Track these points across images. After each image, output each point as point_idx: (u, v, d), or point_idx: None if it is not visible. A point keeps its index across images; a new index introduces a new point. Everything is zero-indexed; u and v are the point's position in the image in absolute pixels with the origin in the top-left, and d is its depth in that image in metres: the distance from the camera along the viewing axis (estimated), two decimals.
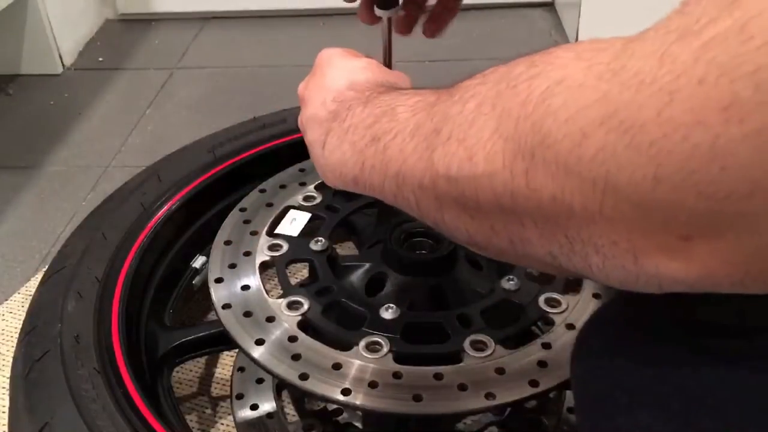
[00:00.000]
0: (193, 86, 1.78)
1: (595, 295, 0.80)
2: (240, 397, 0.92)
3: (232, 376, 0.95)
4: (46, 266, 0.94)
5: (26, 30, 1.78)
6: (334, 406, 0.89)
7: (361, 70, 0.60)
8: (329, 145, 0.56)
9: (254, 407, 0.90)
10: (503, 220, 0.40)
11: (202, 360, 1.02)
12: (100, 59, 1.91)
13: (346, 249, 1.13)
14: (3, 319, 1.11)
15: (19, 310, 1.12)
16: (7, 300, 1.14)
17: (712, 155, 0.29)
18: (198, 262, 0.99)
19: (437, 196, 0.44)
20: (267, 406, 0.91)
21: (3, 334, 1.09)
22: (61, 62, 1.85)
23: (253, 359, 0.74)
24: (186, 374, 1.01)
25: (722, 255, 0.31)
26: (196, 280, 0.98)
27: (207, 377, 1.01)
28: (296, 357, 0.73)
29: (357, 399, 0.70)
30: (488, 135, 0.39)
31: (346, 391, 0.70)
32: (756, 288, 0.33)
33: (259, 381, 0.93)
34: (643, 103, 0.31)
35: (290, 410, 0.93)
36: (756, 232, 0.30)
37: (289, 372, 0.72)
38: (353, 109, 0.55)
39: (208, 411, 0.97)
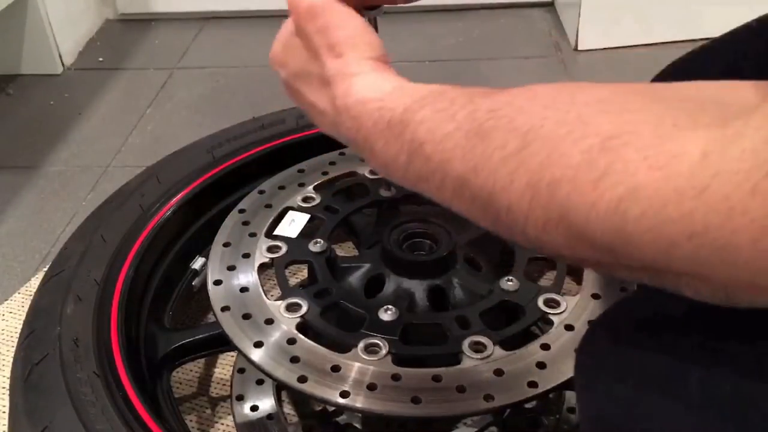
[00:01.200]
0: (193, 86, 1.77)
1: (594, 296, 0.80)
2: (240, 398, 0.92)
3: (232, 377, 0.95)
4: (46, 266, 0.94)
5: (26, 30, 1.78)
6: (334, 407, 0.89)
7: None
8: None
9: (254, 408, 0.90)
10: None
11: (202, 360, 1.02)
12: (100, 59, 1.91)
13: (346, 249, 1.13)
14: (3, 319, 1.11)
15: (19, 310, 1.12)
16: (7, 300, 1.14)
17: None
18: (197, 263, 0.98)
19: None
20: (267, 407, 0.91)
21: (3, 333, 1.09)
22: (61, 62, 1.85)
23: (251, 362, 0.74)
24: (186, 374, 1.01)
25: None
26: (196, 282, 0.98)
27: (207, 377, 1.01)
28: (295, 359, 0.73)
29: (356, 401, 0.70)
30: (554, 221, 0.40)
31: (344, 394, 0.70)
32: None
33: (260, 382, 0.93)
34: (737, 229, 0.32)
35: (290, 411, 0.94)
36: None
37: (287, 375, 0.72)
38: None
39: (208, 411, 0.97)
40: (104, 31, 2.05)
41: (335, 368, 0.72)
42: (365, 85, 0.54)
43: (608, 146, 0.37)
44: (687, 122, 0.35)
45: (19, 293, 1.15)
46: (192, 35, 2.01)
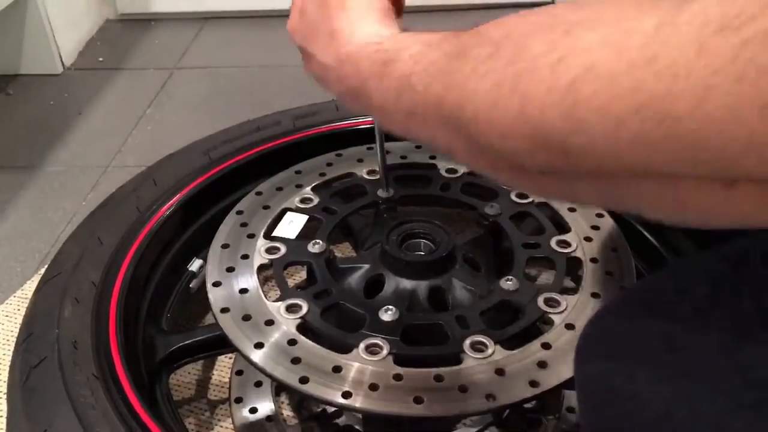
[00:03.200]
0: (193, 86, 1.77)
1: (594, 295, 0.80)
2: (239, 400, 0.91)
3: (230, 379, 0.95)
4: (46, 267, 0.94)
5: (26, 30, 1.78)
6: (333, 409, 0.89)
7: None
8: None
9: (253, 410, 0.90)
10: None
11: (201, 363, 1.02)
12: (100, 59, 1.91)
13: (344, 250, 1.12)
14: None
15: (15, 313, 1.11)
16: (5, 302, 1.14)
17: (747, 147, 0.30)
18: (195, 265, 0.98)
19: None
20: (266, 409, 0.90)
21: (1, 336, 1.08)
22: (61, 62, 1.85)
23: (252, 363, 0.74)
24: (185, 377, 1.01)
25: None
26: (193, 284, 0.97)
27: (205, 380, 1.01)
28: (296, 360, 0.73)
29: (357, 402, 0.69)
30: (512, 118, 0.39)
31: (346, 394, 0.70)
32: None
33: (258, 384, 0.92)
34: (679, 96, 0.31)
35: (290, 413, 0.93)
36: None
37: (288, 375, 0.72)
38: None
39: (207, 414, 0.97)
40: (104, 31, 2.04)
41: (336, 369, 0.72)
42: (367, 33, 0.56)
43: (572, 30, 0.37)
44: (650, 2, 0.35)
45: (15, 296, 1.15)
46: (192, 35, 2.00)
